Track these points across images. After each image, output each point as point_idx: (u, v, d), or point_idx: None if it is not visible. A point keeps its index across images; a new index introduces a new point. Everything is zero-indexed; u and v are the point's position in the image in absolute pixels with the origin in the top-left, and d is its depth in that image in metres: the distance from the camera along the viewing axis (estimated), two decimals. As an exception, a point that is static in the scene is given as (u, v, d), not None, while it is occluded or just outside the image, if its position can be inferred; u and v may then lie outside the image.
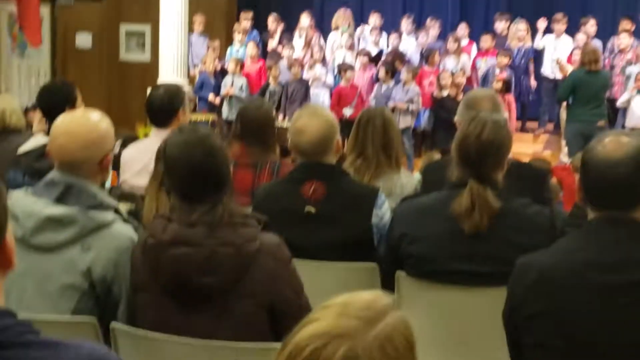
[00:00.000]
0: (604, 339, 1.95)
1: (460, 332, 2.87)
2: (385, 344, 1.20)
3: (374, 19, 12.36)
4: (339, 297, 1.27)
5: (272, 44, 12.46)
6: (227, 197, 2.42)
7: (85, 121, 2.68)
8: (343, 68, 11.32)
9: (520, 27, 11.66)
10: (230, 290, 2.30)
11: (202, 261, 2.29)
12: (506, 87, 10.67)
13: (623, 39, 10.93)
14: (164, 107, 4.11)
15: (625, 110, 10.46)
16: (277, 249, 2.39)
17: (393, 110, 10.52)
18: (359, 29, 12.47)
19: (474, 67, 11.60)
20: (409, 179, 3.93)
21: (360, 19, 12.86)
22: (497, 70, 11.15)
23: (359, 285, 2.99)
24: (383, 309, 1.25)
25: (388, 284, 3.00)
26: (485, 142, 2.78)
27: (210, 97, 11.62)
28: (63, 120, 2.69)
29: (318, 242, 3.14)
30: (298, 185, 3.22)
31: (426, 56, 11.68)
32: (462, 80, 11.01)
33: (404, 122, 10.64)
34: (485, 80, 11.35)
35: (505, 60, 11.16)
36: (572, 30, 11.40)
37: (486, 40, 11.64)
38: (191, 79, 11.83)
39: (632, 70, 10.53)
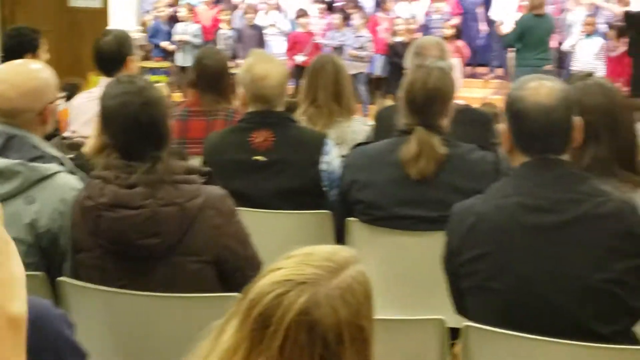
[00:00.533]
0: (541, 277, 2.01)
1: (410, 275, 2.93)
2: (346, 293, 1.24)
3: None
4: (302, 249, 1.31)
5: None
6: (167, 152, 2.34)
7: (24, 69, 2.63)
8: (298, 14, 11.26)
9: None
10: (175, 249, 2.24)
11: (143, 223, 2.23)
12: (456, 34, 10.76)
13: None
14: (112, 55, 4.05)
15: (569, 55, 10.60)
16: (221, 202, 2.34)
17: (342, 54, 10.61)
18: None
19: (428, 14, 11.60)
20: (361, 126, 3.96)
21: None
22: (448, 17, 11.20)
23: (311, 233, 3.06)
24: (345, 261, 1.28)
25: (340, 231, 3.05)
26: (431, 89, 2.82)
27: (164, 44, 11.46)
28: (2, 68, 2.65)
29: (268, 191, 3.16)
30: (247, 134, 3.22)
31: (380, 3, 11.65)
32: (415, 26, 11.02)
33: (356, 67, 10.66)
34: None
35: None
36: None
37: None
38: (144, 26, 11.65)
39: (572, 17, 10.64)
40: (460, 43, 10.79)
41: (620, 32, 9.92)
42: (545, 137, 2.10)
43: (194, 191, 2.29)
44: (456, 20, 11.14)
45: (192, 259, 2.27)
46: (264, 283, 1.25)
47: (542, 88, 2.12)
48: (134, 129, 2.29)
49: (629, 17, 9.53)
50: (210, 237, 2.28)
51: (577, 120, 2.16)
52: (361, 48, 10.81)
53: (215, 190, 2.36)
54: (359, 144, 3.23)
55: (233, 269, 2.33)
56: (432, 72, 2.85)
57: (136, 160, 2.30)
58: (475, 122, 3.50)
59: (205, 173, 2.41)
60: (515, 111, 2.13)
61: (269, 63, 3.29)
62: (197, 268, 2.27)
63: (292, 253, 1.31)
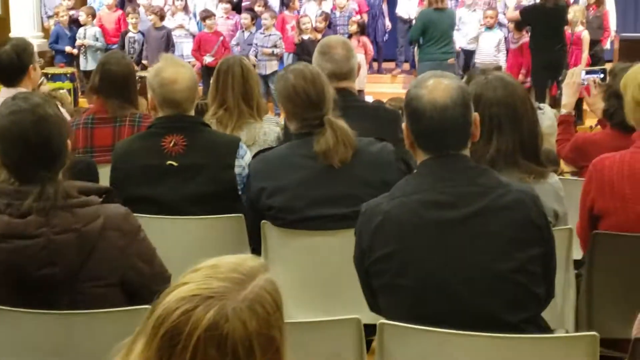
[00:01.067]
0: (447, 272, 2.05)
1: (327, 275, 2.94)
2: (254, 305, 1.23)
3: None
4: (207, 261, 1.29)
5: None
6: (62, 173, 2.25)
7: None
8: (204, 16, 11.17)
9: None
10: (77, 275, 2.14)
11: (38, 253, 2.13)
12: (361, 30, 10.83)
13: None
14: (12, 64, 3.94)
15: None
16: (124, 222, 2.24)
17: (256, 56, 10.60)
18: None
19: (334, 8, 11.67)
20: (272, 126, 3.96)
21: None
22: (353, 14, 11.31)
23: (225, 238, 3.04)
24: (251, 271, 1.27)
25: (254, 234, 3.04)
26: (317, 84, 2.95)
27: (67, 49, 11.21)
28: None
29: (182, 196, 3.13)
30: (158, 139, 3.18)
31: (287, 2, 11.66)
32: (323, 25, 11.08)
33: (270, 67, 10.68)
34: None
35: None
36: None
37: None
38: (46, 31, 11.37)
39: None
40: (364, 39, 10.88)
41: (518, 25, 10.19)
42: (441, 135, 2.13)
43: (92, 214, 2.19)
44: (359, 17, 11.24)
45: (96, 283, 2.18)
46: (171, 299, 1.23)
47: (438, 86, 2.14)
48: (24, 148, 2.18)
49: (523, 13, 9.81)
50: (114, 259, 2.19)
51: (475, 116, 2.20)
52: (275, 47, 10.79)
53: (116, 209, 2.26)
54: (259, 152, 3.21)
55: (140, 287, 2.24)
56: (304, 74, 2.96)
57: (28, 182, 2.20)
58: (384, 119, 3.55)
59: (104, 191, 2.33)
60: (413, 110, 2.16)
61: (178, 67, 3.25)
62: (102, 292, 2.18)
63: (198, 265, 1.28)
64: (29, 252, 2.13)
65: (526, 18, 9.65)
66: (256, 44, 10.82)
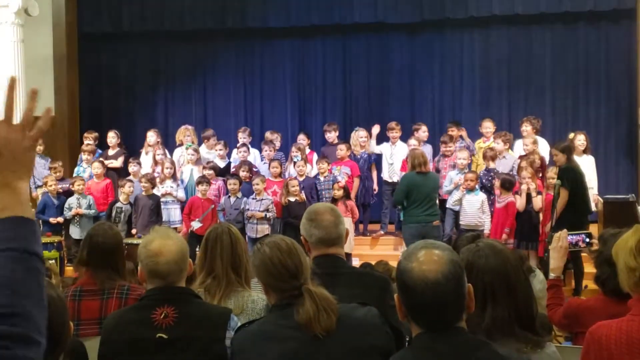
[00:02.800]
0: None
1: None
2: None
3: (210, 134, 12.57)
4: None
5: (115, 161, 12.38)
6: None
7: None
8: (199, 181, 11.30)
9: (361, 134, 12.20)
10: None
11: None
12: (346, 194, 11.03)
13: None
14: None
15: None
16: None
17: (249, 218, 10.75)
18: (203, 145, 12.58)
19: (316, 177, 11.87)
20: (259, 294, 3.90)
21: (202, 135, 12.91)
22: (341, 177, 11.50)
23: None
24: None
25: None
26: (293, 259, 2.90)
27: (52, 220, 11.24)
28: None
29: (174, 370, 3.03)
30: (148, 312, 3.13)
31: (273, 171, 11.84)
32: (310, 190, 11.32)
33: (262, 231, 10.75)
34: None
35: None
36: (405, 137, 11.94)
37: (341, 149, 11.93)
38: (34, 201, 11.45)
39: (453, 174, 11.06)
40: (351, 203, 11.03)
41: (504, 184, 10.37)
42: (435, 311, 2.09)
43: None
44: (344, 182, 11.41)
45: None
46: None
47: (429, 259, 2.11)
48: None
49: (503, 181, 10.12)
50: None
51: (469, 288, 2.17)
52: (267, 210, 10.86)
53: None
54: (242, 326, 3.12)
55: None
56: (279, 243, 2.94)
57: None
58: (373, 285, 3.52)
59: None
60: (404, 284, 2.13)
61: (166, 239, 3.24)
62: None
63: None
64: None
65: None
66: (248, 209, 10.90)
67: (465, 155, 11.07)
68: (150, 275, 3.21)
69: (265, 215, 10.75)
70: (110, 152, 12.55)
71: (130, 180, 11.50)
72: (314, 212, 3.59)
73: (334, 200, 10.75)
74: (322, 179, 11.52)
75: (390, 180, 11.88)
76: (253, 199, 10.90)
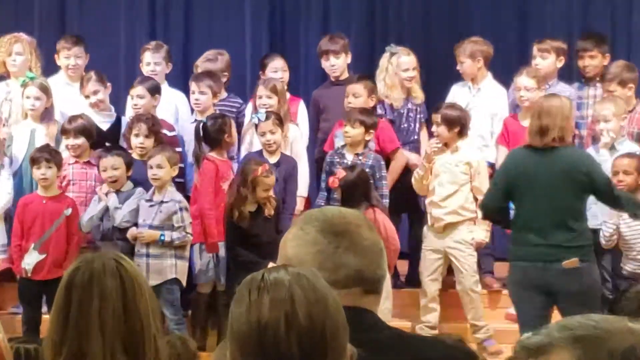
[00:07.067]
0: None
1: None
2: None
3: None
4: None
5: None
6: None
7: None
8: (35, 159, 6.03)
9: (405, 61, 6.48)
10: None
11: None
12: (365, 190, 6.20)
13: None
14: None
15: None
16: None
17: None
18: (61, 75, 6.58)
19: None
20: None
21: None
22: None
23: None
24: None
25: None
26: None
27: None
28: None
29: None
30: None
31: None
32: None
33: (160, 269, 5.96)
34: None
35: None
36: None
37: (357, 94, 6.45)
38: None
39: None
40: (378, 212, 5.92)
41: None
42: None
43: None
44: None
45: None
46: None
47: None
48: None
49: None
50: None
51: None
52: (173, 227, 5.77)
53: None
54: None
55: None
56: None
57: None
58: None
59: None
60: None
61: None
62: None
63: None
64: None
65: None
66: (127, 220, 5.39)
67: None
68: None
69: (162, 238, 5.64)
70: None
71: None
72: (341, 221, 2.03)
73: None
74: (347, 155, 6.07)
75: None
76: (148, 200, 5.80)
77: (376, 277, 1.99)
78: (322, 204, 5.62)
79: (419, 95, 6.32)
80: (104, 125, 6.04)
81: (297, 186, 5.90)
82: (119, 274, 2.19)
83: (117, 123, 6.13)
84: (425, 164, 5.81)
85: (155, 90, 6.01)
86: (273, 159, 5.82)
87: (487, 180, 5.68)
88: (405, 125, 6.28)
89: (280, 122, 5.85)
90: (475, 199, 5.73)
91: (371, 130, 5.79)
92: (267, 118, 5.78)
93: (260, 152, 5.87)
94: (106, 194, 5.61)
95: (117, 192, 5.62)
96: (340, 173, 5.64)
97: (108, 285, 2.16)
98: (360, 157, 5.80)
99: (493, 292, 6.06)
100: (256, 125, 5.87)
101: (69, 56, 6.28)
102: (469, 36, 6.45)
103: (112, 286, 2.16)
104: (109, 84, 6.15)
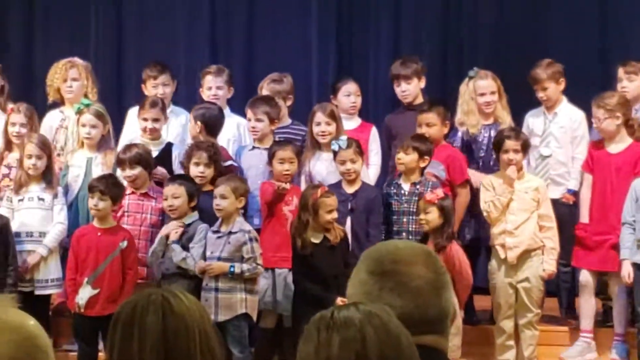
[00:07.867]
0: None
1: None
2: None
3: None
4: None
5: None
6: None
7: None
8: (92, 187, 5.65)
9: (483, 84, 5.96)
10: None
11: None
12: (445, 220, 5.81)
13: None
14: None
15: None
16: None
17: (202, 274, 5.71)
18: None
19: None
20: None
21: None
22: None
23: None
24: None
25: None
26: None
27: None
28: None
29: None
30: None
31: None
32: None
33: (229, 304, 5.54)
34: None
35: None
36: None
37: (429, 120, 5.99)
38: None
39: None
40: (456, 249, 5.61)
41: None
42: None
43: None
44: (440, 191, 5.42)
45: None
46: None
47: None
48: None
49: None
50: None
51: None
52: (243, 259, 5.43)
53: None
54: None
55: None
56: None
57: None
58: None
59: None
60: None
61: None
62: None
63: None
64: None
65: None
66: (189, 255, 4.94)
67: None
68: None
69: (232, 269, 5.22)
70: None
71: None
72: (390, 259, 1.97)
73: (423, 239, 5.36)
74: (404, 185, 5.49)
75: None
76: (215, 231, 5.39)
77: (427, 317, 1.90)
78: (383, 238, 5.25)
79: (505, 120, 5.76)
80: (153, 153, 5.71)
81: (381, 217, 5.50)
82: (162, 312, 2.03)
83: (167, 149, 5.81)
84: (508, 192, 5.43)
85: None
86: (352, 189, 5.48)
87: (551, 206, 5.41)
88: (483, 153, 5.82)
89: (361, 150, 5.48)
90: (540, 227, 5.40)
91: (426, 157, 5.37)
92: (348, 146, 5.40)
93: (338, 184, 5.50)
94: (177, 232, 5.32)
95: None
96: (438, 190, 5.28)
97: (147, 323, 2.03)
98: (418, 187, 5.37)
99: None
100: (335, 153, 5.48)
101: (156, 85, 5.99)
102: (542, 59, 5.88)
103: (153, 324, 2.03)
104: (168, 116, 5.88)
